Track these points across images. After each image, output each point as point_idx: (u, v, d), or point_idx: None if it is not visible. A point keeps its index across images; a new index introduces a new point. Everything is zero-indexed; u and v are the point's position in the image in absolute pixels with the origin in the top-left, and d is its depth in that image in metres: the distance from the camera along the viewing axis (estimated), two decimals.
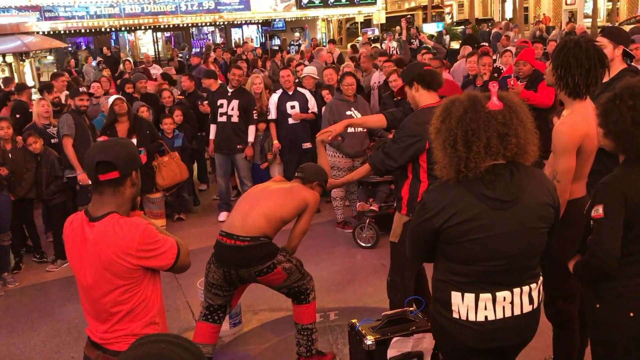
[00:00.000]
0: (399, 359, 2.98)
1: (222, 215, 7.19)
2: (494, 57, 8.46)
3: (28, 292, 5.60)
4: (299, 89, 7.19)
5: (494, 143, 2.15)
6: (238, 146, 6.98)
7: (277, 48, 16.39)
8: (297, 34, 23.49)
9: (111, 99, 6.50)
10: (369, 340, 2.96)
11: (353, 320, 3.21)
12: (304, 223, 3.68)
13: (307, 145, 7.13)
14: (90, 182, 6.02)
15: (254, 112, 7.10)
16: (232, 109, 6.95)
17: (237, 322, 4.47)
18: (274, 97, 7.16)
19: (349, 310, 4.62)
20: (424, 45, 11.13)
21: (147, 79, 9.08)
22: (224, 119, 6.98)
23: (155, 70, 12.16)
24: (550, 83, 3.00)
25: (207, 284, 3.67)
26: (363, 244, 6.06)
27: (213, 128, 7.15)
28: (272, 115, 7.13)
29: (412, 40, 13.74)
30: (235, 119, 6.96)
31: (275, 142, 7.13)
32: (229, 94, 7.01)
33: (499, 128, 2.15)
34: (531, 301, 2.30)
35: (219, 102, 7.02)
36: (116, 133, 6.30)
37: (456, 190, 2.20)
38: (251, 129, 7.07)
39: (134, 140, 6.24)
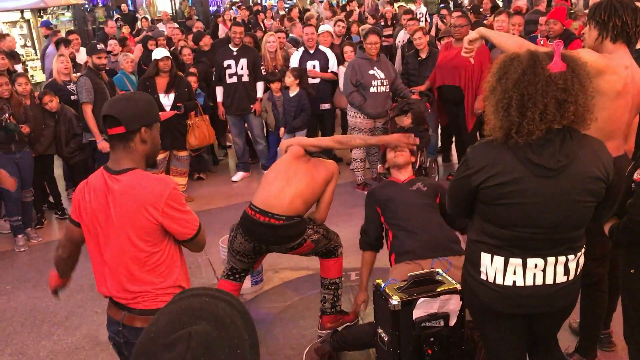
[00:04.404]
0: (424, 319, 2.94)
1: (238, 175, 7.18)
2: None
3: (51, 248, 5.62)
4: (320, 47, 7.02)
5: (551, 110, 1.99)
6: (251, 107, 6.88)
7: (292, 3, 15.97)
8: None
9: (159, 54, 6.25)
10: (395, 300, 2.92)
11: (378, 281, 3.16)
12: (330, 194, 3.64)
13: (326, 105, 7.01)
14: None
15: (262, 67, 6.98)
16: (242, 68, 6.81)
17: (259, 280, 4.49)
18: (296, 56, 7.01)
19: None
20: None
21: (165, 37, 8.96)
22: (234, 79, 6.83)
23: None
24: (589, 41, 2.82)
25: (232, 251, 3.60)
26: None
27: (220, 90, 6.98)
28: None
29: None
30: (246, 79, 6.84)
31: None
32: (235, 54, 6.84)
33: (558, 94, 1.99)
34: (566, 272, 2.19)
35: (226, 62, 6.83)
36: (155, 86, 6.21)
37: (500, 150, 2.09)
38: (259, 85, 6.95)
39: (172, 96, 6.19)
